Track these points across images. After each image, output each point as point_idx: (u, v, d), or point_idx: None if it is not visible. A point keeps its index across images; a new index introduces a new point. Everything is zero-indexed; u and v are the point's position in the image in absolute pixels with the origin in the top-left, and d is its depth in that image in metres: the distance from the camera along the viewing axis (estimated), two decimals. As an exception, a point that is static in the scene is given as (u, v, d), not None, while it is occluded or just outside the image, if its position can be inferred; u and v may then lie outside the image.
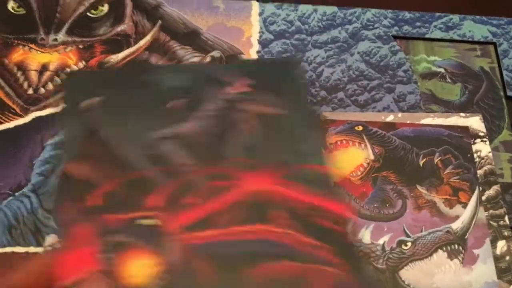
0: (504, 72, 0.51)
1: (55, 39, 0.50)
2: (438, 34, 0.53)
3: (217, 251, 0.25)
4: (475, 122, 0.48)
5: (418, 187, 0.44)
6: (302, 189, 0.28)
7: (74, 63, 0.49)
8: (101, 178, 0.28)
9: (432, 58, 0.52)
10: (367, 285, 0.26)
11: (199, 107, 0.31)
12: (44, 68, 0.48)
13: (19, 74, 0.48)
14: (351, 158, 0.45)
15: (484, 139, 0.47)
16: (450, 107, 0.49)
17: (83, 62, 0.49)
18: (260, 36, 0.52)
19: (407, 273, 0.38)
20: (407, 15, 0.54)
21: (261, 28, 0.52)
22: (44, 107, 0.46)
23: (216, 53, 0.50)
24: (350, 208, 0.29)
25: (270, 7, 0.54)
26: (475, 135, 0.47)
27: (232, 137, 0.30)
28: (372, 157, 0.45)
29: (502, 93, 0.50)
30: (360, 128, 0.46)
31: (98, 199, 0.27)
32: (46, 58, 0.49)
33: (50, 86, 0.47)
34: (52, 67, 0.48)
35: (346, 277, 0.25)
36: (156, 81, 0.34)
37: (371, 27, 0.53)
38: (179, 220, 0.26)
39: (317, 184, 0.28)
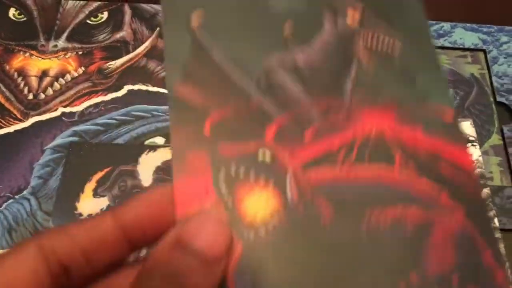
0: (494, 78, 0.53)
1: (55, 46, 0.51)
2: (429, 41, 0.55)
3: (336, 192, 0.24)
4: (466, 127, 0.49)
5: (410, 190, 0.45)
6: (423, 131, 0.26)
7: (74, 69, 0.50)
8: (215, 105, 0.25)
9: (423, 64, 0.53)
10: (489, 234, 0.24)
11: (316, 33, 0.28)
12: (44, 74, 0.49)
13: (19, 79, 0.49)
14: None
15: (474, 143, 0.48)
16: (441, 112, 0.50)
17: (83, 68, 0.50)
18: (256, 43, 0.53)
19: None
20: (400, 23, 0.56)
21: (257, 35, 0.53)
22: (44, 112, 0.47)
23: (212, 60, 0.52)
24: (471, 155, 0.27)
25: (265, 15, 0.55)
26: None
27: (350, 71, 0.28)
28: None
29: (492, 99, 0.52)
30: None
31: (212, 127, 0.25)
32: (46, 64, 0.50)
33: (50, 91, 0.48)
34: (52, 73, 0.49)
35: (468, 226, 0.24)
36: (270, 1, 0.29)
37: (364, 34, 0.55)
38: (297, 156, 0.24)
39: (439, 127, 0.26)
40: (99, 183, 0.43)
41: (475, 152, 0.47)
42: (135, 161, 0.44)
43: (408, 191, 0.24)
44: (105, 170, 0.44)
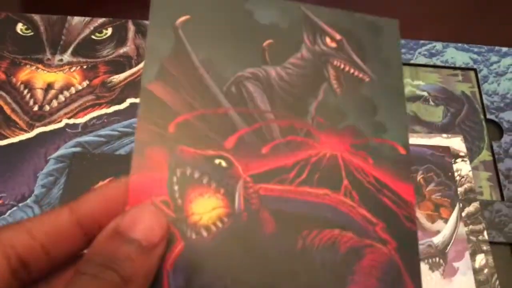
0: (484, 96, 0.54)
1: (61, 60, 0.53)
2: (422, 60, 0.57)
3: (281, 206, 0.25)
4: (456, 143, 0.51)
5: (402, 203, 0.46)
6: (372, 162, 0.27)
7: (78, 82, 0.52)
8: (184, 106, 0.26)
9: (416, 82, 0.55)
10: (414, 269, 0.25)
11: (293, 53, 0.30)
12: (49, 86, 0.51)
13: (25, 92, 0.51)
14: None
15: (465, 159, 0.49)
16: (433, 128, 0.52)
17: (87, 82, 0.52)
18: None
19: (390, 283, 0.40)
20: (393, 42, 0.58)
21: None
22: (48, 123, 0.49)
23: (212, 75, 0.53)
24: (414, 193, 0.27)
25: (264, 33, 0.57)
26: (456, 155, 0.50)
27: (318, 93, 0.29)
28: (358, 174, 0.47)
29: (482, 116, 0.53)
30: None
31: (176, 128, 0.25)
32: (51, 78, 0.52)
33: (54, 103, 0.50)
34: (57, 86, 0.51)
35: (396, 259, 0.25)
36: (257, 14, 0.30)
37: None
38: (250, 167, 0.26)
39: (390, 162, 0.27)
40: None
41: (465, 167, 0.49)
42: None
43: (347, 218, 0.26)
44: (107, 180, 0.45)
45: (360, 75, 0.30)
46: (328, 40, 0.30)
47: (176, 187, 0.23)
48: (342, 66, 0.30)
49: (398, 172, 0.27)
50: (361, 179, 0.26)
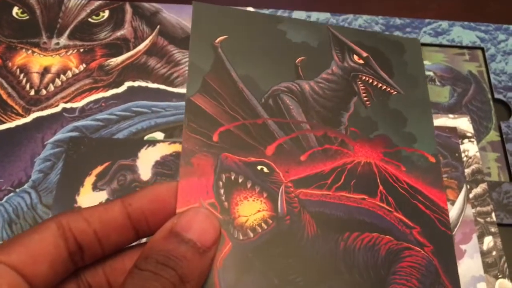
0: (492, 76, 0.53)
1: (57, 43, 0.52)
2: (427, 39, 0.55)
3: (321, 210, 0.26)
4: (463, 123, 0.49)
5: (407, 184, 0.45)
6: (405, 170, 0.29)
7: (75, 66, 0.51)
8: (225, 117, 0.28)
9: (421, 62, 0.54)
10: (452, 272, 0.27)
11: (324, 69, 0.32)
12: (46, 70, 0.50)
13: (21, 76, 0.50)
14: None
15: (472, 139, 0.48)
16: (439, 109, 0.51)
17: (84, 65, 0.51)
18: (255, 41, 0.53)
19: (395, 266, 0.39)
20: (398, 21, 0.56)
21: (256, 33, 0.54)
22: (45, 108, 0.48)
23: (212, 57, 0.52)
24: (446, 200, 0.29)
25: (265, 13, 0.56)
26: (463, 136, 0.48)
27: (349, 106, 0.31)
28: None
29: (489, 96, 0.52)
30: (351, 128, 0.48)
31: (220, 137, 0.28)
32: (48, 61, 0.51)
33: (51, 87, 0.49)
34: (53, 69, 0.50)
35: (434, 262, 0.27)
36: (289, 34, 0.33)
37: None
38: (291, 173, 0.27)
39: (422, 169, 0.29)
40: (99, 177, 0.44)
41: (472, 148, 0.48)
42: (135, 156, 0.45)
43: (385, 221, 0.27)
44: (105, 165, 0.44)
45: (388, 89, 0.32)
46: (355, 57, 0.33)
47: (222, 191, 0.25)
48: (370, 80, 0.32)
49: (430, 179, 0.29)
50: (395, 185, 0.29)
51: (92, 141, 0.46)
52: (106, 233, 0.22)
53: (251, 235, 0.25)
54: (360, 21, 0.56)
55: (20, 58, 0.51)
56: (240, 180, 0.26)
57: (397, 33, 0.55)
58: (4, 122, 0.47)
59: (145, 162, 0.45)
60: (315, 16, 0.56)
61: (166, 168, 0.44)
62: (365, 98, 0.32)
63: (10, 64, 0.50)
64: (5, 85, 0.49)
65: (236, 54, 0.31)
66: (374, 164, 0.29)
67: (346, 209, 0.27)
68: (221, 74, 0.30)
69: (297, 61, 0.32)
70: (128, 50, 0.52)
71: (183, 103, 0.49)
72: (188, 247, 0.20)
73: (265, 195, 0.26)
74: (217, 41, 0.30)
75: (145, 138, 0.46)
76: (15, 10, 0.54)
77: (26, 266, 0.20)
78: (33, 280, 0.20)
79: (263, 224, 0.25)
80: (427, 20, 0.56)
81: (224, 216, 0.24)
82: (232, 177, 0.26)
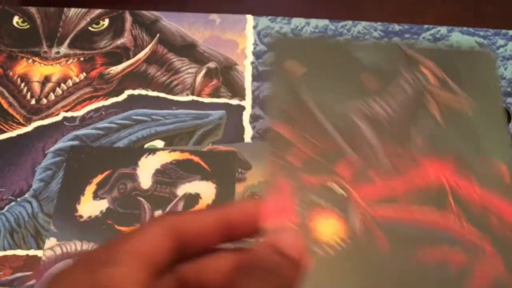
0: (491, 81, 0.53)
1: (58, 52, 0.52)
2: (426, 45, 0.55)
3: (394, 226, 0.28)
4: (463, 129, 0.49)
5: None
6: (477, 183, 0.29)
7: (76, 74, 0.51)
8: (302, 141, 0.30)
9: (420, 68, 0.54)
10: None
11: (393, 87, 0.33)
12: (46, 79, 0.50)
13: (22, 85, 0.50)
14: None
15: (471, 145, 0.48)
16: (438, 115, 0.51)
17: (84, 74, 0.51)
18: (254, 48, 0.54)
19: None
20: (397, 27, 0.56)
21: (255, 40, 0.54)
22: (46, 117, 0.48)
23: (212, 64, 0.52)
24: None
25: (264, 21, 0.56)
26: (462, 141, 0.48)
27: (419, 122, 0.32)
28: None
29: (489, 101, 0.52)
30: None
31: (297, 160, 0.30)
32: (48, 70, 0.51)
33: (52, 96, 0.49)
34: (54, 78, 0.51)
35: (506, 275, 0.28)
36: (365, 60, 0.34)
37: (361, 38, 0.55)
38: (363, 192, 0.29)
39: (494, 182, 0.30)
40: (99, 185, 0.44)
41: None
42: (135, 164, 0.45)
43: (456, 235, 0.28)
44: (105, 173, 0.45)
45: (459, 103, 0.32)
46: (423, 69, 0.33)
47: (302, 210, 0.27)
48: (440, 95, 0.32)
49: (501, 192, 0.29)
50: (466, 199, 0.29)
51: (92, 150, 0.46)
52: (201, 236, 0.25)
53: (330, 251, 0.27)
54: (359, 27, 0.56)
55: (21, 67, 0.51)
56: (318, 201, 0.28)
57: (395, 38, 0.55)
58: (5, 131, 0.47)
59: (146, 171, 0.45)
60: (314, 23, 0.56)
61: (166, 177, 0.45)
62: (435, 112, 0.32)
63: (11, 73, 0.51)
64: (6, 94, 0.49)
65: (311, 82, 0.32)
66: (445, 178, 0.30)
67: (418, 224, 0.28)
68: (298, 102, 0.32)
69: (367, 81, 0.33)
70: (128, 58, 0.52)
71: (182, 111, 0.49)
72: (289, 260, 0.23)
73: (341, 214, 0.28)
74: (295, 71, 0.33)
75: (145, 146, 0.47)
76: (16, 19, 0.54)
77: (148, 256, 0.23)
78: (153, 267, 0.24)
79: (340, 241, 0.27)
80: (426, 26, 0.57)
81: (305, 233, 0.27)
82: (311, 198, 0.28)
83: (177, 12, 0.56)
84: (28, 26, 0.54)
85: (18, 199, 0.44)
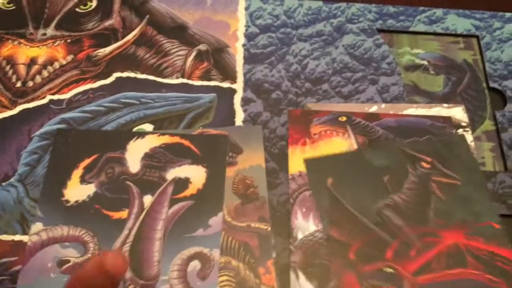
0: (487, 64, 0.52)
1: (44, 34, 0.51)
2: (421, 28, 0.54)
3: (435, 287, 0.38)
4: (458, 113, 0.48)
5: (401, 175, 0.45)
6: (482, 241, 0.40)
7: (62, 56, 0.50)
8: (353, 238, 0.40)
9: (416, 51, 0.53)
10: None
11: (405, 180, 0.43)
12: (32, 62, 0.49)
13: (7, 67, 0.49)
14: (335, 148, 0.45)
15: (467, 129, 0.47)
16: (433, 98, 0.50)
17: (71, 56, 0.50)
18: (246, 30, 0.52)
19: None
20: (391, 9, 0.55)
21: (247, 22, 0.53)
22: (32, 100, 0.47)
23: (202, 47, 0.51)
24: None
25: (256, 2, 0.55)
26: (457, 125, 0.48)
27: (430, 204, 0.42)
28: (355, 146, 0.45)
29: (484, 85, 0.51)
30: (344, 118, 0.47)
31: (354, 253, 0.39)
32: (34, 52, 0.50)
33: (38, 79, 0.48)
34: (40, 60, 0.49)
35: None
36: (371, 160, 0.44)
37: (355, 20, 0.54)
38: (408, 267, 0.39)
39: (493, 236, 0.41)
40: (86, 170, 0.43)
41: (467, 137, 0.47)
42: (123, 148, 0.44)
43: (480, 283, 0.38)
44: (93, 157, 0.43)
45: (452, 181, 0.43)
46: (423, 163, 0.44)
47: None
48: (438, 178, 0.43)
49: (501, 242, 0.40)
50: (480, 254, 0.40)
51: (79, 133, 0.45)
52: None
53: None
54: (353, 9, 0.55)
55: (6, 49, 0.50)
56: (377, 283, 0.38)
57: (390, 21, 0.54)
58: (-11, 115, 0.46)
59: (134, 154, 0.44)
60: (307, 4, 0.55)
61: (156, 160, 0.43)
62: (440, 194, 0.42)
63: (-5, 55, 0.49)
64: (-9, 77, 0.48)
65: (343, 188, 0.42)
66: (460, 243, 0.40)
67: (450, 283, 0.38)
68: (338, 206, 0.41)
69: (385, 180, 0.43)
70: (117, 40, 0.51)
71: (172, 94, 0.48)
72: (107, 276, 0.29)
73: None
74: (328, 183, 0.42)
75: (134, 129, 0.45)
76: (1, 0, 0.53)
77: None
78: None
79: None
80: (421, 8, 0.55)
81: None
82: (372, 282, 0.38)
83: (167, -7, 0.55)
84: (13, 7, 0.53)
85: (3, 184, 0.42)
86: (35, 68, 0.49)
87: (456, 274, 0.39)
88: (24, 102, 0.47)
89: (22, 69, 0.49)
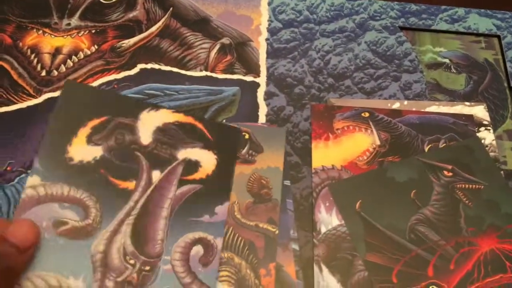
0: (508, 64, 0.52)
1: (68, 24, 0.51)
2: (443, 26, 0.54)
3: None
4: (480, 111, 0.49)
5: (424, 172, 0.45)
6: None
7: (87, 47, 0.50)
8: (393, 260, 0.40)
9: (438, 49, 0.53)
10: None
11: (431, 192, 0.43)
12: (57, 51, 0.49)
13: (32, 56, 0.49)
14: (357, 143, 0.46)
15: (488, 128, 0.48)
16: (455, 96, 0.50)
17: (96, 46, 0.50)
18: (269, 25, 0.53)
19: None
20: (414, 7, 0.55)
21: (270, 16, 0.53)
22: (57, 89, 0.47)
23: (225, 40, 0.51)
24: None
25: (279, -3, 0.55)
26: (479, 124, 0.48)
27: (460, 212, 0.42)
28: (378, 142, 0.46)
29: (505, 84, 0.51)
30: (367, 114, 0.47)
31: (396, 277, 0.39)
32: (59, 42, 0.50)
33: (62, 68, 0.48)
34: (65, 50, 0.49)
35: None
36: (393, 176, 0.43)
37: (378, 18, 0.54)
38: (451, 281, 0.39)
39: None
40: (95, 130, 0.41)
41: (488, 136, 0.47)
42: (135, 117, 0.43)
43: None
44: (102, 118, 0.42)
45: (477, 186, 0.43)
46: (445, 172, 0.43)
47: None
48: (463, 185, 0.43)
49: None
50: None
51: (90, 90, 0.43)
52: None
53: None
54: (376, 6, 0.55)
55: (31, 38, 0.50)
56: None
57: (412, 19, 0.54)
58: (15, 103, 0.46)
59: (146, 125, 0.43)
60: (330, 0, 0.55)
61: (167, 136, 0.43)
62: (467, 201, 0.42)
63: (20, 44, 0.49)
64: (16, 65, 0.48)
65: (372, 210, 0.41)
66: (496, 248, 0.40)
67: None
68: (373, 230, 0.41)
69: (412, 195, 0.42)
70: (141, 32, 0.51)
71: (196, 86, 0.48)
72: (12, 248, 0.29)
73: None
74: (357, 207, 0.42)
75: (158, 121, 0.46)
76: (25, -11, 0.53)
77: None
78: None
79: None
80: (443, 7, 0.56)
81: None
82: None
83: (190, -14, 0.55)
84: (37, -3, 0.53)
85: (28, 171, 0.43)
86: (59, 57, 0.49)
87: (498, 280, 0.39)
88: (49, 91, 0.47)
89: (47, 58, 0.49)
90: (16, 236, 0.30)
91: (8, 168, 0.43)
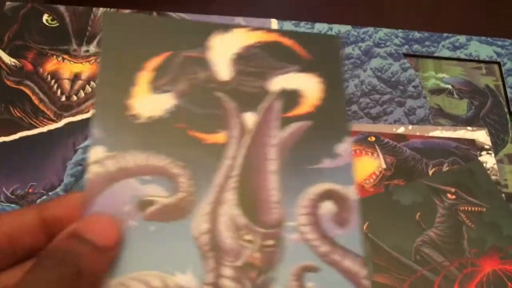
0: (508, 90, 0.54)
1: (87, 51, 0.53)
2: (446, 53, 0.57)
3: None
4: (481, 136, 0.51)
5: (428, 195, 0.47)
6: None
7: (104, 73, 0.52)
8: (397, 282, 0.41)
9: (440, 75, 0.55)
10: None
11: (436, 214, 0.45)
12: (76, 77, 0.52)
13: (52, 82, 0.51)
14: (364, 167, 0.48)
15: (490, 152, 0.50)
16: (457, 121, 0.52)
17: (113, 72, 0.52)
18: (279, 52, 0.55)
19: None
20: (417, 34, 0.58)
21: (279, 44, 0.55)
22: (76, 113, 0.49)
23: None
24: None
25: (288, 25, 0.57)
26: (481, 148, 0.50)
27: (463, 234, 0.44)
28: (384, 166, 0.48)
29: (506, 109, 0.53)
30: (373, 138, 0.49)
31: None
32: (78, 68, 0.52)
33: (81, 94, 0.51)
34: (83, 76, 0.52)
35: None
36: (398, 199, 0.46)
37: (383, 45, 0.57)
38: None
39: None
40: (158, 73, 0.28)
41: (490, 160, 0.49)
42: (201, 45, 0.30)
43: None
44: (163, 56, 0.29)
45: (479, 209, 0.45)
46: (448, 195, 0.46)
47: None
48: (465, 208, 0.45)
49: None
50: None
51: (135, 20, 0.29)
52: (19, 238, 0.24)
53: None
54: (380, 34, 0.58)
55: (51, 64, 0.52)
56: None
57: (416, 46, 0.57)
58: (36, 127, 0.48)
59: (220, 55, 0.30)
60: (337, 28, 0.57)
61: (251, 64, 0.30)
62: (469, 223, 0.44)
63: (41, 70, 0.52)
64: (37, 90, 0.50)
65: (379, 231, 0.44)
66: (498, 269, 0.42)
67: None
68: (380, 251, 0.43)
69: (417, 217, 0.44)
70: (156, 58, 0.53)
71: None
72: (88, 246, 0.22)
73: None
74: (364, 228, 0.44)
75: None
76: (45, 17, 0.56)
77: None
78: None
79: None
80: (445, 34, 0.58)
81: None
82: None
83: (202, 14, 0.57)
84: (57, 24, 0.55)
85: (50, 193, 0.45)
86: (78, 83, 0.51)
87: None
88: (69, 116, 0.49)
89: (66, 84, 0.51)
90: (92, 231, 0.23)
91: (30, 190, 0.45)
